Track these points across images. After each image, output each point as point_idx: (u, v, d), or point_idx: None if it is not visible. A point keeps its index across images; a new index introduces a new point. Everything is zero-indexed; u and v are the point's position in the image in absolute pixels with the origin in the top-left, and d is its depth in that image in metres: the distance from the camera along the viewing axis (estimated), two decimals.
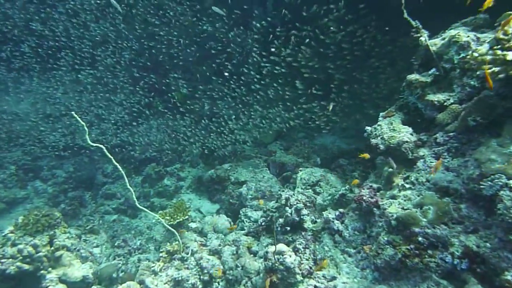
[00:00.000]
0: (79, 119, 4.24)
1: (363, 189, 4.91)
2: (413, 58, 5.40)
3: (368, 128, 5.28)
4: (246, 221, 7.21)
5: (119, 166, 5.08)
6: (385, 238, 4.23)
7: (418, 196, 4.27)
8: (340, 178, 7.31)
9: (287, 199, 5.93)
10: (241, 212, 7.49)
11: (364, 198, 4.76)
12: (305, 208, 5.74)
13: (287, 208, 5.79)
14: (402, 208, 4.26)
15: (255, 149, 10.50)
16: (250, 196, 7.82)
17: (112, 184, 10.97)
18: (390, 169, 4.67)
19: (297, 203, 5.82)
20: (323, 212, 5.39)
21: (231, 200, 8.22)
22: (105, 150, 4.75)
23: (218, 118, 11.01)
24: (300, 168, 7.07)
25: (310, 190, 6.72)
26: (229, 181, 8.63)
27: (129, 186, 5.30)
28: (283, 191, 6.24)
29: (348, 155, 9.60)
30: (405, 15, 5.20)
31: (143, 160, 11.13)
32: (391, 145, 4.75)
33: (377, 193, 4.76)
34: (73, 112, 4.40)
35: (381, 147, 4.88)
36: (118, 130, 11.51)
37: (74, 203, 10.18)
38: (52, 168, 11.58)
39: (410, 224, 4.02)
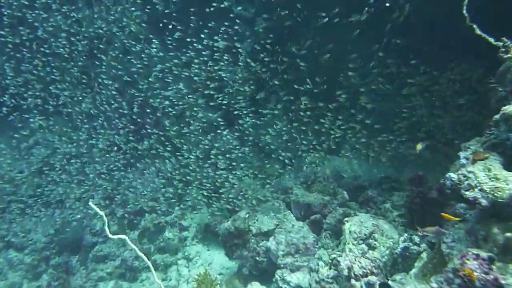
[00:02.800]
0: (97, 209, 3.04)
1: (467, 259, 3.77)
2: (491, 81, 4.40)
3: (454, 176, 4.15)
4: None
5: (145, 258, 3.79)
6: None
7: None
8: (391, 223, 6.19)
9: (349, 268, 4.74)
10: (276, 275, 6.21)
11: (475, 274, 3.62)
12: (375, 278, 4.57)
13: (353, 282, 4.59)
14: None
15: (267, 187, 9.27)
16: (281, 253, 6.54)
17: (104, 243, 9.36)
18: (509, 234, 3.57)
19: (363, 272, 4.65)
20: None
21: (257, 258, 6.90)
22: (128, 241, 3.57)
23: (219, 153, 9.69)
24: (346, 219, 5.88)
25: (363, 245, 5.54)
26: (250, 233, 7.31)
27: (158, 281, 3.99)
28: (340, 256, 5.02)
29: (375, 185, 8.59)
30: (478, 31, 4.20)
31: (137, 211, 9.60)
32: (500, 200, 3.65)
33: (493, 267, 3.63)
34: (90, 202, 3.24)
35: (483, 202, 3.76)
36: (105, 180, 9.94)
37: (61, 275, 8.54)
38: (28, 232, 9.80)
39: None
